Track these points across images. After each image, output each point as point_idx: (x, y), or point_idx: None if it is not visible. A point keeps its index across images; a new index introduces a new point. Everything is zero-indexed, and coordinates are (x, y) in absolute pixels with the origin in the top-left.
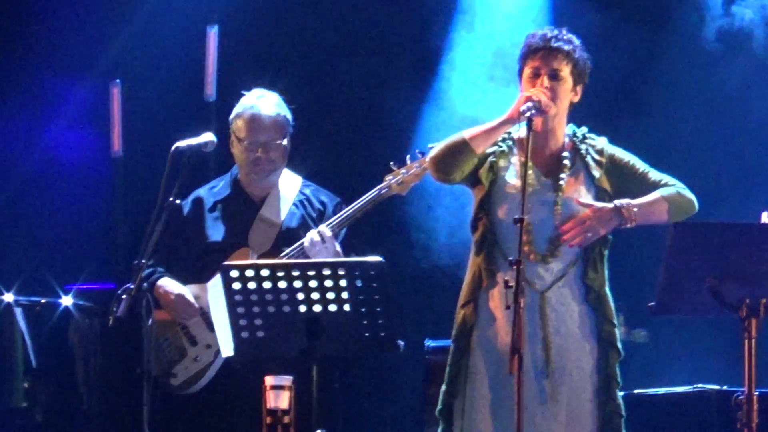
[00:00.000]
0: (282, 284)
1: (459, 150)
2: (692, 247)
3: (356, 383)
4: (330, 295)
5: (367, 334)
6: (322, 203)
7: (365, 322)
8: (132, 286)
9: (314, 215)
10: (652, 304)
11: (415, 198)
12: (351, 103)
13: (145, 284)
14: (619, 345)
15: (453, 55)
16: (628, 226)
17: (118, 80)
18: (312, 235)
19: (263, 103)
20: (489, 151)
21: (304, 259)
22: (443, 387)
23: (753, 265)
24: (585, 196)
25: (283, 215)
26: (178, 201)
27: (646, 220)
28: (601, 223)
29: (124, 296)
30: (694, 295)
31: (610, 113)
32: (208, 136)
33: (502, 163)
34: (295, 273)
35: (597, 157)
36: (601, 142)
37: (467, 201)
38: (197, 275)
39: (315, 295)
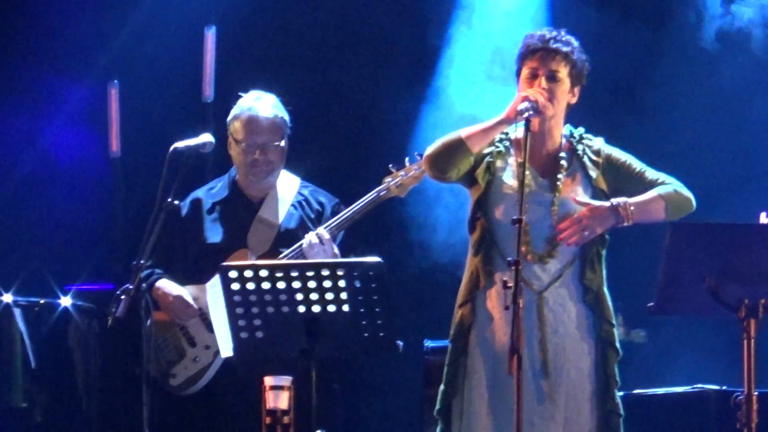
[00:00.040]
0: (281, 285)
1: (455, 148)
2: (691, 248)
3: (355, 383)
4: (329, 296)
5: (366, 335)
6: (321, 204)
7: (364, 322)
8: (131, 287)
9: (313, 216)
10: (651, 304)
11: (414, 198)
12: (349, 104)
13: (143, 285)
14: (618, 345)
15: (451, 54)
16: (625, 224)
17: (116, 81)
18: (310, 237)
19: (260, 104)
20: (486, 151)
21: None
22: (441, 387)
23: (752, 265)
24: (582, 196)
25: (281, 216)
26: (176, 202)
27: (643, 219)
28: (598, 222)
29: (122, 297)
30: (692, 295)
31: (608, 113)
32: (206, 137)
33: (499, 163)
34: (294, 273)
35: (594, 157)
36: (598, 142)
37: (466, 201)
38: (196, 276)
39: (314, 296)
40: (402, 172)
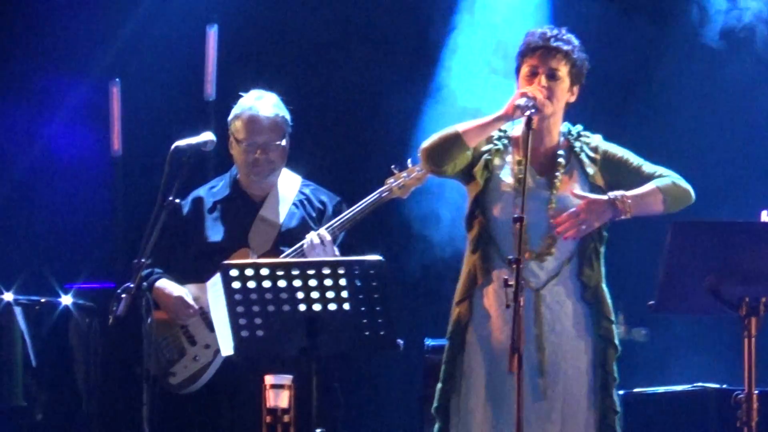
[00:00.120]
0: (281, 283)
1: (451, 143)
2: (692, 246)
3: (356, 382)
4: (330, 294)
5: (366, 333)
6: (322, 203)
7: (365, 321)
8: (131, 286)
9: (314, 215)
10: (652, 302)
11: (416, 197)
12: (350, 101)
13: (144, 284)
14: (617, 341)
15: (453, 48)
16: (623, 217)
17: (117, 79)
18: (311, 237)
19: (261, 104)
20: (484, 149)
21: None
22: (439, 385)
23: (753, 263)
24: (579, 192)
25: (282, 215)
26: (177, 200)
27: (641, 212)
28: (596, 215)
29: (123, 295)
30: (693, 293)
31: (611, 109)
32: (208, 136)
33: (497, 161)
34: (295, 272)
35: (591, 154)
36: (596, 139)
37: (467, 199)
38: (196, 275)
39: (315, 294)
40: (404, 174)
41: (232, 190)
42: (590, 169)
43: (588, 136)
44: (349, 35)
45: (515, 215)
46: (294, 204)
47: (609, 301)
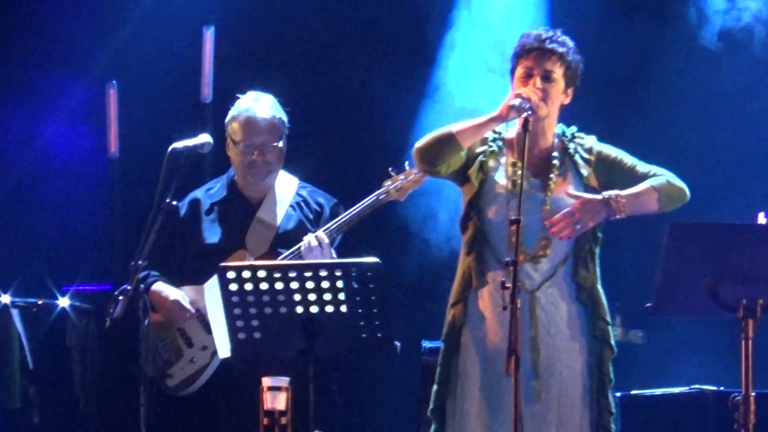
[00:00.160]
0: (279, 285)
1: (445, 142)
2: (689, 248)
3: (353, 384)
4: (327, 296)
5: (364, 335)
6: (319, 204)
7: (362, 323)
8: (129, 288)
9: (311, 217)
10: (649, 305)
11: (414, 199)
12: (347, 104)
13: (141, 286)
14: (613, 342)
15: (451, 47)
16: (618, 217)
17: (114, 81)
18: (309, 239)
19: (258, 105)
20: (479, 150)
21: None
22: (434, 387)
23: (750, 265)
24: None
25: (280, 217)
26: (174, 202)
27: (636, 211)
28: (590, 215)
29: (120, 297)
30: (690, 295)
31: (609, 109)
32: (205, 138)
33: (491, 163)
34: (292, 274)
35: (585, 155)
36: (590, 140)
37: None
38: (194, 277)
39: (312, 296)
40: (402, 176)
41: (229, 192)
42: (584, 171)
43: (582, 138)
44: (346, 37)
45: (512, 217)
46: (291, 206)
47: (604, 301)
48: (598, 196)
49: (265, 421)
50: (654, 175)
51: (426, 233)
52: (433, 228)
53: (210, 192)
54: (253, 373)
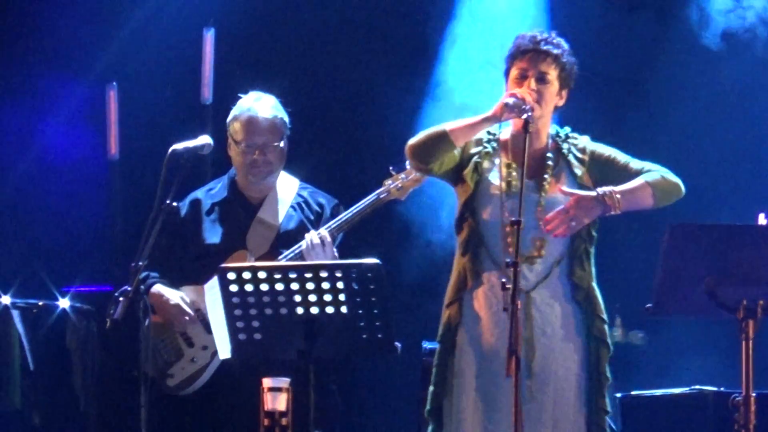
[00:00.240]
0: (279, 286)
1: (438, 140)
2: (689, 249)
3: (354, 385)
4: (327, 297)
5: (364, 336)
6: (320, 205)
7: (362, 324)
8: (129, 289)
9: (312, 217)
10: (649, 305)
11: (414, 199)
12: (348, 104)
13: (141, 287)
14: (609, 341)
15: (452, 41)
16: (613, 213)
17: (114, 83)
18: (312, 236)
19: (260, 105)
20: (473, 151)
21: (302, 261)
22: (431, 388)
23: (750, 266)
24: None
25: (280, 218)
26: (174, 203)
27: (631, 206)
28: (585, 212)
29: (121, 298)
30: (690, 296)
31: (609, 108)
32: (205, 139)
33: (486, 164)
34: (292, 275)
35: (579, 155)
36: (584, 140)
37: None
38: (194, 277)
39: (312, 297)
40: (402, 175)
41: (230, 192)
42: (578, 171)
43: (576, 138)
44: (345, 37)
45: (512, 219)
46: (292, 206)
47: (601, 300)
48: (592, 193)
49: (266, 421)
50: (648, 170)
51: (427, 233)
52: (434, 228)
53: (211, 192)
54: (254, 374)
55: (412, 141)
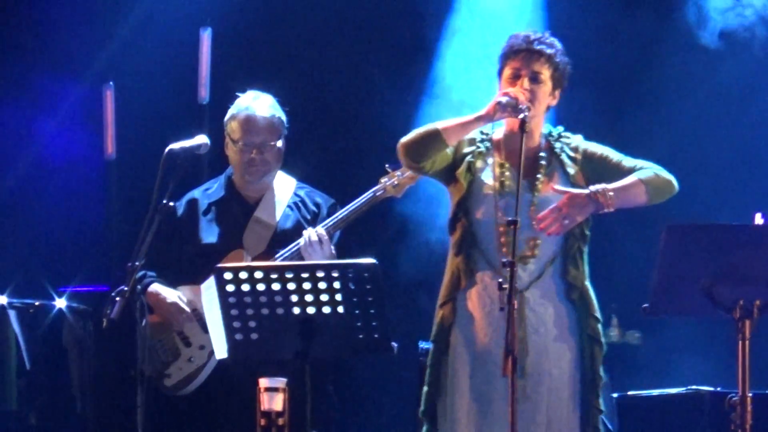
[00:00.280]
0: (276, 286)
1: (430, 139)
2: (685, 249)
3: (350, 385)
4: (324, 297)
5: (360, 336)
6: (317, 205)
7: (359, 323)
8: (126, 288)
9: (309, 217)
10: (646, 305)
11: (410, 198)
12: (346, 102)
13: (138, 287)
14: (603, 340)
15: (450, 35)
16: (606, 210)
17: (111, 83)
18: (309, 234)
19: (258, 104)
20: (466, 151)
21: (300, 259)
22: (425, 388)
23: (746, 266)
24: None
25: (277, 217)
26: (171, 203)
27: (624, 204)
28: (578, 210)
29: (117, 298)
30: (687, 296)
31: (608, 108)
32: (202, 139)
33: (479, 164)
34: (289, 275)
35: (572, 154)
36: (576, 139)
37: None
38: (191, 277)
39: (309, 297)
40: (398, 172)
41: (227, 192)
42: (571, 170)
43: (568, 137)
44: (342, 38)
45: (507, 219)
46: (289, 206)
47: (595, 300)
48: (585, 191)
49: (263, 421)
50: (641, 168)
51: (424, 231)
52: (431, 226)
53: (208, 192)
54: (251, 374)
55: (404, 139)
